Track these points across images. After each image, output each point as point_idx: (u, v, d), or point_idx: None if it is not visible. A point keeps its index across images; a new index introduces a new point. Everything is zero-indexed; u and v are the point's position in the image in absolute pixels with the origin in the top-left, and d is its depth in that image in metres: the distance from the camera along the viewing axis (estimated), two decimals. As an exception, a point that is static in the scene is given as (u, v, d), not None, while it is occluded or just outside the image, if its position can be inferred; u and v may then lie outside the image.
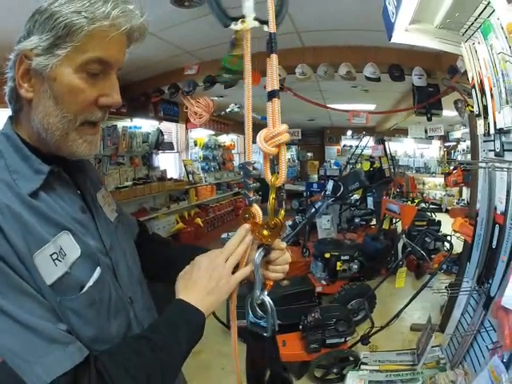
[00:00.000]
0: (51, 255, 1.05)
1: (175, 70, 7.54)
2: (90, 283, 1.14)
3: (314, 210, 6.75)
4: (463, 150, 15.11)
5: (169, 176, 11.03)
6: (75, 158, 1.20)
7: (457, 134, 14.62)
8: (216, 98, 8.66)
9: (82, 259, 1.13)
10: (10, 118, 1.23)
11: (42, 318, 0.98)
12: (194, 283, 1.23)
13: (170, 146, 11.27)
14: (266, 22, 1.21)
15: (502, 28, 2.13)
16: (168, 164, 11.57)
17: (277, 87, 1.25)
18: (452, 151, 17.22)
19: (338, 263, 5.71)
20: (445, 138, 16.04)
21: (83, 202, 1.29)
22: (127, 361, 1.06)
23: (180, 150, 12.16)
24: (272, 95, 1.26)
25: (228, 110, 8.29)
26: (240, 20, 1.21)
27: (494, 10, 2.20)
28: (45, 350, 0.95)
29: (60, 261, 1.07)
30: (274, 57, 1.25)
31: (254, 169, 1.28)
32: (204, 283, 1.23)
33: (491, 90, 2.50)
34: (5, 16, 4.27)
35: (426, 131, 7.87)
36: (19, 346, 0.94)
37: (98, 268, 1.18)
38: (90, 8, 1.04)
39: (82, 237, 1.16)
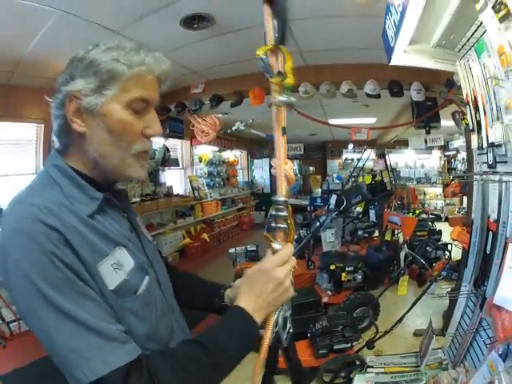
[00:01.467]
0: (112, 265, 1.22)
1: (182, 88, 7.73)
2: (143, 287, 1.32)
3: (318, 223, 6.88)
4: (463, 159, 15.02)
5: (175, 192, 11.21)
6: (127, 181, 1.40)
7: (456, 144, 14.72)
8: (221, 115, 8.78)
9: (135, 269, 1.31)
10: (57, 151, 1.38)
11: (102, 320, 1.10)
12: (257, 294, 1.33)
13: (175, 163, 11.42)
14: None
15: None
16: (174, 180, 11.71)
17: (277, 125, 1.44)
18: (452, 160, 17.27)
19: (343, 274, 5.84)
20: (445, 148, 16.13)
21: (129, 222, 1.48)
22: (177, 362, 1.16)
23: (185, 166, 12.32)
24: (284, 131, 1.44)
25: (234, 128, 8.36)
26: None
27: (486, 30, 2.34)
28: (103, 348, 1.07)
29: (119, 269, 1.24)
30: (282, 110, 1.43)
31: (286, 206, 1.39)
32: (266, 295, 1.33)
33: (484, 106, 2.68)
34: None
35: (426, 141, 7.97)
36: (80, 345, 1.05)
37: (147, 277, 1.36)
38: (126, 56, 1.25)
39: (133, 251, 1.35)
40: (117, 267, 1.24)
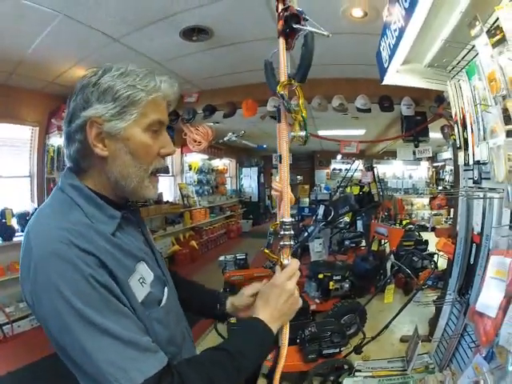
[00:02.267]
0: (138, 280, 1.32)
1: (174, 97, 7.75)
2: (165, 297, 1.43)
3: (306, 234, 6.99)
4: (451, 170, 15.00)
5: (165, 199, 11.26)
6: (144, 199, 1.50)
7: (445, 155, 14.76)
8: (212, 124, 8.86)
9: (155, 281, 1.40)
10: (71, 170, 1.43)
11: (136, 333, 1.19)
12: (273, 306, 1.46)
13: (165, 170, 11.32)
14: (291, 77, 1.46)
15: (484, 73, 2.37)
16: (164, 187, 11.77)
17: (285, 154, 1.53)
18: (440, 171, 17.42)
19: (331, 283, 5.93)
20: (433, 159, 16.19)
21: (143, 236, 1.55)
22: (204, 367, 1.27)
23: (175, 173, 12.36)
24: (281, 159, 1.53)
25: (226, 139, 8.38)
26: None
27: (478, 53, 2.39)
28: (139, 358, 1.15)
29: (145, 283, 1.34)
30: (278, 125, 1.54)
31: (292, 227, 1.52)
32: (280, 306, 1.46)
33: (472, 125, 2.79)
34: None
35: (414, 153, 8.04)
36: (119, 358, 1.12)
37: (166, 287, 1.48)
38: (142, 82, 1.32)
39: (151, 264, 1.44)
40: (142, 281, 1.34)
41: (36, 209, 1.39)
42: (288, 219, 1.49)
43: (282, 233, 1.49)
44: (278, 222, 1.55)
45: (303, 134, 1.48)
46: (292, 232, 1.50)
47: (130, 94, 1.30)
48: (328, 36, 1.37)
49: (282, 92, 1.45)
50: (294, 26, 1.42)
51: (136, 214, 1.60)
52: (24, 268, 1.22)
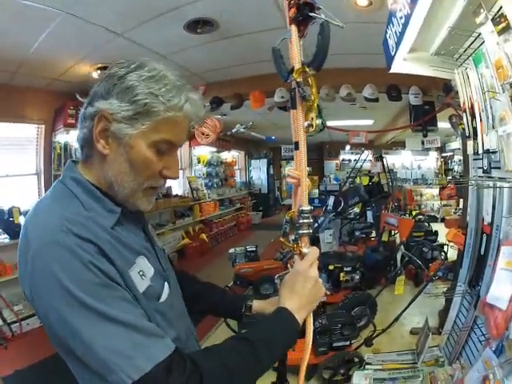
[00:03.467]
0: (138, 272, 1.28)
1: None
2: (166, 292, 1.40)
3: (317, 225, 6.98)
4: (459, 161, 15.06)
5: (174, 193, 11.25)
6: (134, 210, 1.45)
7: (453, 145, 14.64)
8: (220, 117, 8.82)
9: (155, 276, 1.36)
10: (74, 162, 1.41)
11: (140, 318, 1.15)
12: (299, 294, 1.44)
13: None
14: (307, 64, 1.45)
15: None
16: (172, 181, 11.62)
17: (297, 139, 1.54)
18: (449, 161, 17.36)
19: (341, 274, 5.93)
20: (442, 149, 16.12)
21: (144, 233, 1.52)
22: (220, 353, 1.24)
23: (184, 167, 12.37)
24: (296, 147, 1.54)
25: (234, 131, 8.38)
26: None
27: (484, 41, 2.37)
28: (145, 344, 1.10)
29: (145, 276, 1.30)
30: (292, 112, 1.53)
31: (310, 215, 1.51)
32: (307, 293, 1.45)
33: (480, 114, 2.74)
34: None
35: (422, 143, 7.99)
36: (122, 345, 1.08)
37: (166, 283, 1.44)
38: (165, 94, 1.25)
39: (151, 260, 1.40)
40: (142, 274, 1.30)
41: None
42: (307, 207, 1.48)
43: (300, 221, 1.48)
44: (293, 210, 1.54)
45: (319, 121, 1.47)
46: (311, 220, 1.50)
47: (148, 103, 1.24)
48: (342, 27, 1.37)
49: (299, 79, 1.44)
50: (311, 15, 1.42)
51: (137, 211, 1.50)
52: (22, 263, 1.20)
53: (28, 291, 1.17)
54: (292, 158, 1.62)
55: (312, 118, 1.47)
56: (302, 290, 1.45)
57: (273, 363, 1.40)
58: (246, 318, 1.80)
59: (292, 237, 1.56)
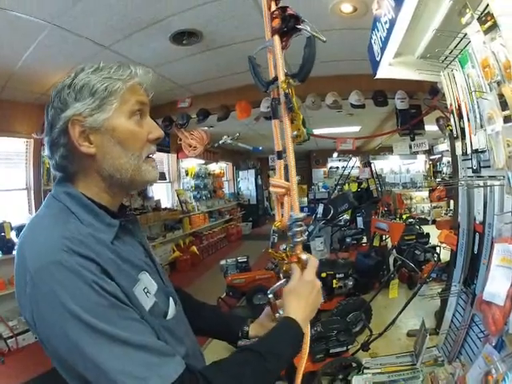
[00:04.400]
0: (143, 289, 1.25)
1: (169, 103, 7.82)
2: (173, 307, 1.40)
3: (307, 233, 6.97)
4: (448, 162, 15.09)
5: (163, 206, 11.24)
6: (145, 186, 1.45)
7: (441, 147, 14.57)
8: (206, 128, 8.84)
9: (159, 292, 1.34)
10: (63, 179, 1.37)
11: (150, 338, 1.14)
12: (306, 303, 1.45)
13: (162, 176, 11.46)
14: (292, 76, 1.47)
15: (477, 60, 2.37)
16: (161, 194, 11.75)
17: (281, 149, 1.56)
18: (437, 163, 17.44)
19: (334, 281, 5.94)
20: (430, 152, 16.12)
21: (142, 247, 1.48)
22: (230, 366, 1.25)
23: (172, 179, 12.36)
24: (279, 156, 1.56)
25: (221, 142, 8.38)
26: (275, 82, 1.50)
27: (470, 41, 2.40)
28: (157, 364, 1.09)
29: (149, 293, 1.28)
30: (274, 121, 1.56)
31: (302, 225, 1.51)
32: (312, 302, 1.47)
33: (468, 114, 2.78)
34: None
35: (410, 147, 8.04)
36: (134, 366, 1.06)
37: (171, 298, 1.42)
38: (117, 72, 1.30)
39: (153, 275, 1.37)
40: (147, 292, 1.27)
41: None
42: (300, 215, 1.48)
43: (295, 229, 1.48)
44: (280, 220, 1.55)
45: (305, 131, 1.49)
46: (305, 227, 1.50)
47: (108, 85, 1.27)
48: (324, 41, 1.41)
49: (287, 90, 1.45)
50: (298, 27, 1.44)
51: (134, 223, 1.53)
52: (20, 285, 1.15)
53: (29, 315, 1.14)
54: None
55: (299, 129, 1.48)
56: (308, 300, 1.46)
57: (280, 371, 1.38)
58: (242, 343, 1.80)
59: (283, 246, 1.56)
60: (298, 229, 1.48)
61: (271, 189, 1.57)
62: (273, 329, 1.45)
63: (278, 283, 1.58)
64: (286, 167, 1.52)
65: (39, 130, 6.99)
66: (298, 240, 1.49)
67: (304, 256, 1.49)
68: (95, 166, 1.32)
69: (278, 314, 1.61)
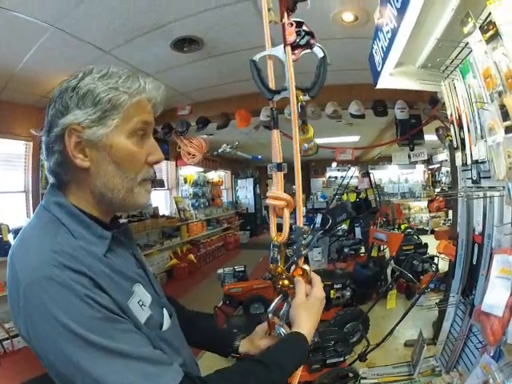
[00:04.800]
0: (138, 302, 1.24)
1: (168, 110, 7.77)
2: (168, 319, 1.38)
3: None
4: (447, 172, 15.07)
5: (161, 213, 11.21)
6: (136, 209, 1.44)
7: (440, 157, 14.72)
8: (206, 136, 8.85)
9: (153, 304, 1.32)
10: (55, 186, 1.34)
11: (146, 347, 1.14)
12: (315, 319, 1.47)
13: (160, 184, 11.46)
14: (304, 90, 1.48)
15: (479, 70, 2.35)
16: (159, 201, 11.73)
17: (281, 161, 1.55)
18: (436, 173, 17.47)
19: (332, 292, 5.92)
20: (428, 161, 16.14)
21: (135, 258, 1.45)
22: (234, 376, 1.27)
23: (170, 187, 12.35)
24: (279, 168, 1.55)
25: (220, 151, 8.40)
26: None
27: (471, 50, 2.38)
28: (155, 373, 1.09)
29: (144, 305, 1.26)
30: (276, 132, 1.54)
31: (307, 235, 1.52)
32: (318, 318, 1.49)
33: (468, 125, 2.77)
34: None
35: (409, 157, 8.04)
36: (133, 378, 1.06)
37: (165, 309, 1.41)
38: (124, 83, 1.24)
39: (146, 286, 1.35)
40: (142, 304, 1.26)
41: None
42: (304, 227, 1.50)
43: (302, 242, 1.49)
44: (280, 234, 1.53)
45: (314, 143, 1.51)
46: (307, 240, 1.50)
47: (112, 97, 1.22)
48: (329, 64, 1.45)
49: (302, 102, 1.47)
50: (314, 44, 1.47)
51: (127, 234, 1.50)
52: (13, 298, 1.15)
53: (23, 329, 1.12)
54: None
55: (311, 141, 1.49)
56: (317, 316, 1.48)
57: (285, 380, 1.38)
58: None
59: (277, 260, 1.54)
60: (303, 242, 1.48)
61: (269, 201, 1.55)
62: (281, 341, 1.47)
63: (276, 301, 1.57)
64: (285, 178, 1.52)
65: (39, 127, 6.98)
66: (303, 253, 1.50)
67: (307, 267, 1.50)
68: (88, 181, 1.28)
69: (274, 332, 1.61)
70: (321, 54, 1.45)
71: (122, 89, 1.23)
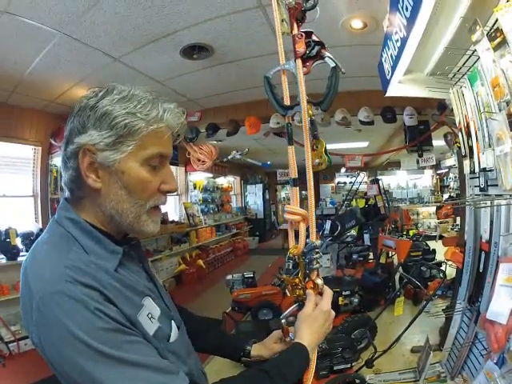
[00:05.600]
0: (147, 315, 1.26)
1: (178, 116, 7.75)
2: (176, 331, 1.41)
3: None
4: (455, 177, 14.97)
5: (170, 219, 11.21)
6: (143, 236, 1.44)
7: (448, 162, 14.67)
8: (215, 142, 8.89)
9: (162, 316, 1.34)
10: (68, 201, 1.36)
11: (156, 357, 1.17)
12: (318, 332, 1.51)
13: (170, 189, 11.39)
14: (316, 104, 1.51)
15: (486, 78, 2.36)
16: (169, 207, 11.70)
17: (296, 176, 1.56)
18: (444, 178, 17.37)
19: (340, 298, 5.90)
20: (437, 166, 16.10)
21: (145, 272, 1.48)
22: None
23: (180, 192, 12.34)
24: (295, 183, 1.57)
25: (230, 157, 8.38)
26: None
27: (479, 58, 2.37)
28: (165, 382, 1.14)
29: (154, 318, 1.28)
30: (291, 148, 1.56)
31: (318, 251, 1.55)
32: (323, 331, 1.53)
33: (476, 133, 2.77)
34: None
35: (417, 162, 8.01)
36: None
37: (173, 322, 1.43)
38: (143, 110, 1.23)
39: (156, 300, 1.37)
40: (151, 317, 1.28)
41: (38, 233, 1.34)
42: (318, 242, 1.51)
43: (314, 256, 1.51)
44: (295, 246, 1.56)
45: (328, 158, 1.52)
46: (321, 254, 1.53)
47: (128, 123, 1.22)
48: (343, 73, 1.46)
49: (313, 117, 1.49)
50: (324, 55, 1.49)
51: (137, 248, 1.53)
52: (26, 310, 1.17)
53: (37, 340, 1.15)
54: (287, 183, 1.64)
55: (321, 156, 1.50)
56: (320, 328, 1.51)
57: None
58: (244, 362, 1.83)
59: (295, 271, 1.59)
60: (315, 256, 1.50)
61: (286, 216, 1.57)
62: (283, 352, 1.53)
63: (291, 308, 1.63)
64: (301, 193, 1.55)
65: (55, 135, 7.06)
66: (315, 267, 1.52)
67: (319, 281, 1.53)
68: (98, 200, 1.30)
69: (289, 338, 1.67)
70: (332, 64, 1.45)
71: (139, 115, 1.23)
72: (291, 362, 1.44)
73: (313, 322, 1.50)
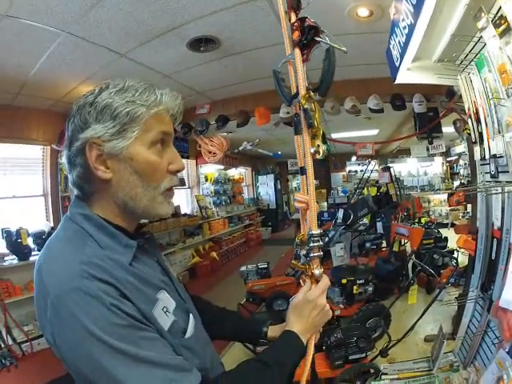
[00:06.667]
0: (162, 309, 1.27)
1: (187, 109, 7.79)
2: (192, 324, 1.41)
3: (327, 239, 6.95)
4: (465, 164, 15.06)
5: (182, 212, 11.25)
6: (157, 218, 1.45)
7: (458, 149, 14.62)
8: (226, 134, 8.89)
9: (177, 310, 1.35)
10: (79, 198, 1.38)
11: (170, 355, 1.19)
12: (305, 320, 1.51)
13: (181, 182, 11.49)
14: (313, 90, 1.47)
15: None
16: (181, 200, 11.75)
17: (303, 164, 1.54)
18: (454, 165, 17.33)
19: (354, 287, 5.87)
20: (447, 154, 16.02)
21: (159, 266, 1.49)
22: (241, 377, 1.35)
23: (191, 185, 12.40)
24: (302, 172, 1.55)
25: (241, 148, 8.37)
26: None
27: (485, 44, 2.34)
28: (176, 379, 1.14)
29: (169, 312, 1.29)
30: (297, 138, 1.56)
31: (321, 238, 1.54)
32: (312, 320, 1.51)
33: (485, 119, 2.72)
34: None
35: (427, 149, 7.99)
36: (156, 382, 1.11)
37: (191, 315, 1.44)
38: (141, 97, 1.27)
39: (171, 293, 1.38)
40: (166, 310, 1.29)
41: (49, 232, 1.34)
42: (316, 231, 1.50)
43: (311, 245, 1.50)
44: (303, 233, 1.57)
45: (325, 147, 1.49)
46: (321, 243, 1.52)
47: (130, 111, 1.25)
48: (345, 52, 1.41)
49: (306, 106, 1.45)
50: (317, 39, 1.44)
51: (151, 242, 1.54)
52: (40, 307, 1.17)
53: (50, 337, 1.15)
54: (296, 172, 1.64)
55: (318, 145, 1.48)
56: (308, 317, 1.52)
57: (284, 380, 1.42)
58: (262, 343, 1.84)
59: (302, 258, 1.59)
60: (315, 244, 1.50)
61: (296, 204, 1.60)
62: (277, 341, 1.52)
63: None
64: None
65: (57, 140, 7.07)
66: (315, 255, 1.51)
67: (317, 271, 1.52)
68: (110, 191, 1.32)
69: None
70: (326, 47, 1.42)
71: (139, 102, 1.27)
72: (284, 349, 1.46)
73: (300, 310, 1.53)
